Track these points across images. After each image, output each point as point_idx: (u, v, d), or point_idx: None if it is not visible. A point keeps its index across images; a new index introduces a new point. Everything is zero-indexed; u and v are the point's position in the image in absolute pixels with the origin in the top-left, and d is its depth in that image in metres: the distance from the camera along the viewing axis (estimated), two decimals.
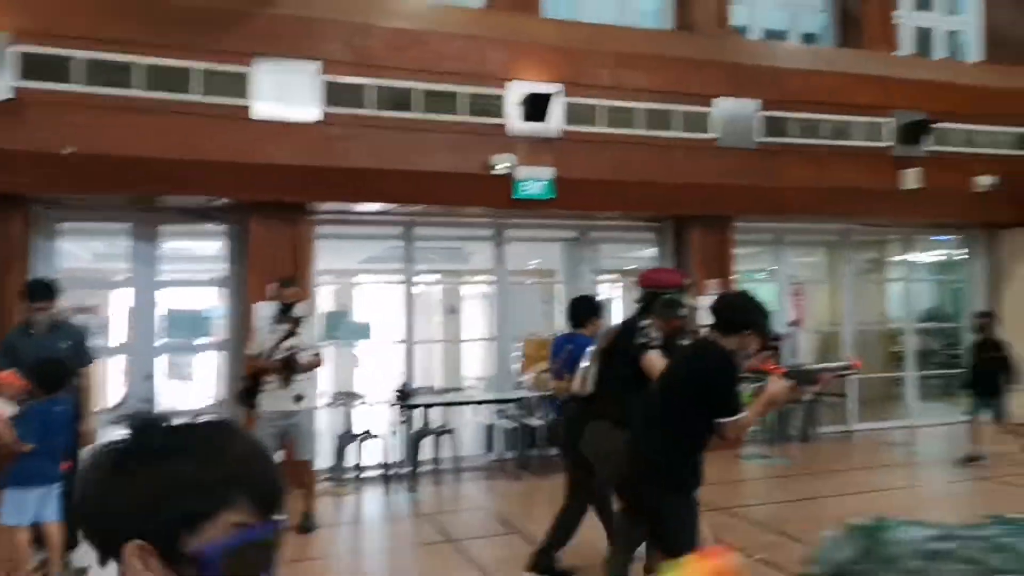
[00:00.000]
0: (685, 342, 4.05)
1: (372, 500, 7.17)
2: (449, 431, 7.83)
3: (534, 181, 7.86)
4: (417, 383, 8.49)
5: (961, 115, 9.90)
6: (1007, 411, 7.52)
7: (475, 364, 10.31)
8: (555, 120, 7.99)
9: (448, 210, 8.28)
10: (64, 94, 6.59)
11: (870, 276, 11.71)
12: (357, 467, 7.62)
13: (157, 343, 7.46)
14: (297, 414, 5.79)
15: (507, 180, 7.82)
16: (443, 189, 7.67)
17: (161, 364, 7.58)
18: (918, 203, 9.64)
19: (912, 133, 9.51)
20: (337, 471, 7.53)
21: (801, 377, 3.47)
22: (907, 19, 10.79)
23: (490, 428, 8.40)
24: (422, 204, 7.90)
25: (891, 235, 10.96)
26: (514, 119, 7.90)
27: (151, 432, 0.93)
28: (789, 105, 9.10)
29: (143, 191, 6.95)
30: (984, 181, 9.88)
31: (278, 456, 5.74)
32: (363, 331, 8.50)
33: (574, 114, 8.15)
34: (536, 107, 7.80)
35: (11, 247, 6.61)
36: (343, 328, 8.23)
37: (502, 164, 7.72)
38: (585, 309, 5.13)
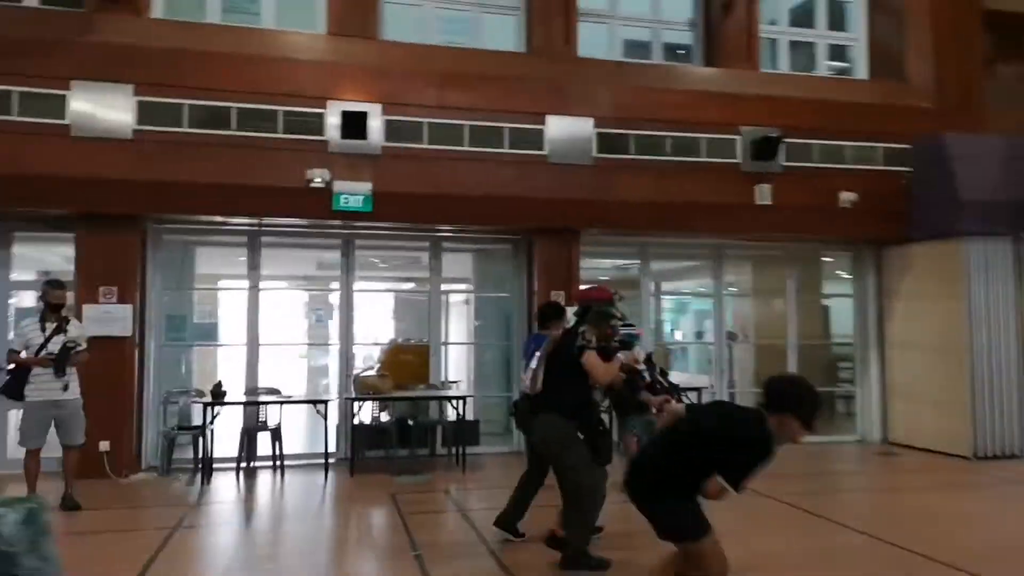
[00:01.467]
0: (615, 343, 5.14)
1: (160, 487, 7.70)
2: (266, 427, 8.36)
3: (351, 195, 8.32)
4: (265, 383, 9.04)
5: (823, 131, 9.89)
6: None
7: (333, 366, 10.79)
8: (374, 137, 8.43)
9: (289, 223, 8.86)
10: None
11: (760, 291, 11.72)
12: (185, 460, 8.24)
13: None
14: (66, 403, 6.42)
15: (327, 193, 8.31)
16: (265, 201, 8.24)
17: None
18: (778, 218, 9.68)
19: (763, 149, 9.54)
20: (163, 462, 8.15)
21: None
22: (784, 35, 10.87)
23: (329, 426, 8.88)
24: (245, 216, 8.50)
25: (773, 251, 10.93)
26: (333, 136, 8.37)
27: None
28: (630, 122, 9.30)
29: None
30: (848, 197, 9.84)
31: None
32: (207, 333, 9.11)
33: (394, 132, 8.57)
34: (353, 125, 8.25)
35: None
36: (186, 329, 8.86)
37: (317, 178, 8.22)
38: (552, 312, 5.82)
